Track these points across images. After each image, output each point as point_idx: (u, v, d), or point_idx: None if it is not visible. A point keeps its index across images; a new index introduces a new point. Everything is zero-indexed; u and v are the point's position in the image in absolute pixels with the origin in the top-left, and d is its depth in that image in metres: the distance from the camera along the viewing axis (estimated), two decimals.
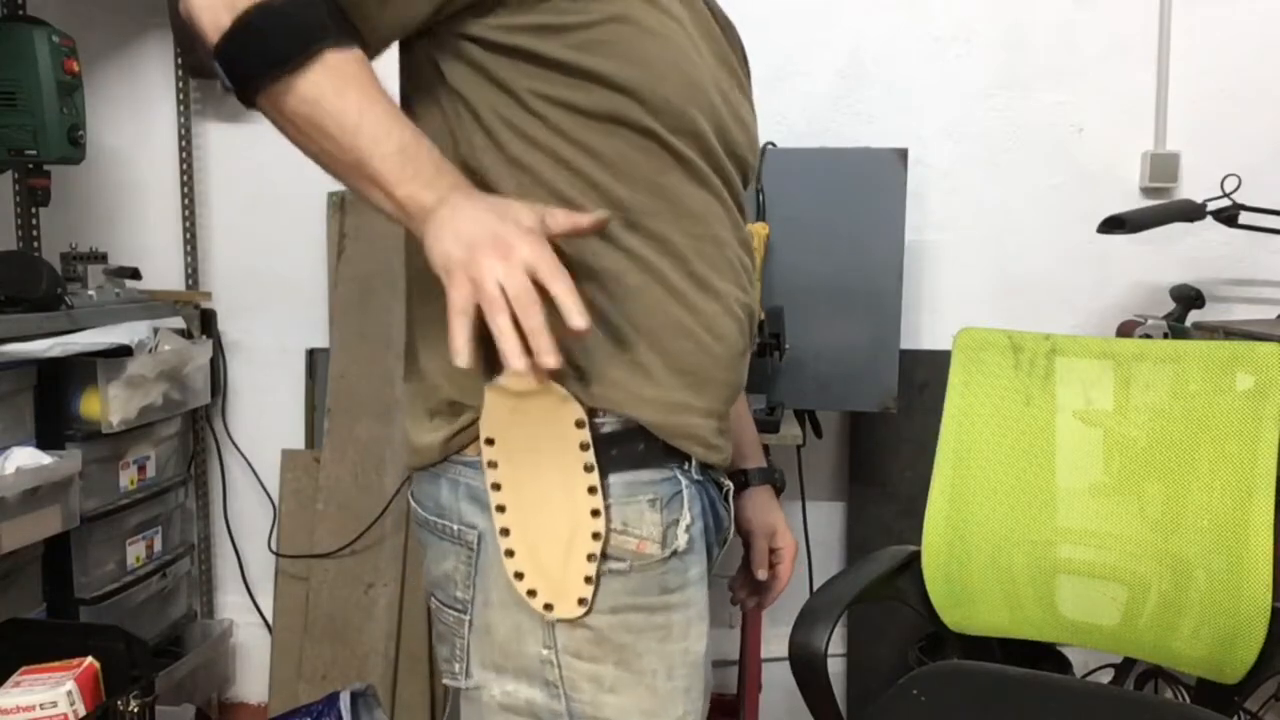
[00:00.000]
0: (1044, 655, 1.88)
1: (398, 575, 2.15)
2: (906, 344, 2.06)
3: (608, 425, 0.87)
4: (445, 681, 0.94)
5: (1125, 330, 1.94)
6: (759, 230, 1.86)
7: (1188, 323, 1.96)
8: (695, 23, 0.92)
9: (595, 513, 0.85)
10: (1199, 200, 1.95)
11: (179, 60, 2.21)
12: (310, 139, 0.79)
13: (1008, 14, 2.14)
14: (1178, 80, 2.11)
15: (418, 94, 0.90)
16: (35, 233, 2.23)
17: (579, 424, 0.84)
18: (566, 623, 0.86)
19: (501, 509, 0.85)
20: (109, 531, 1.98)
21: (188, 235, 2.27)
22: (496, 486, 0.85)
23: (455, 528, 0.89)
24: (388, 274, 2.15)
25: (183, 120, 2.25)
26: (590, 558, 0.85)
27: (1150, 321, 1.92)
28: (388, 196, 0.77)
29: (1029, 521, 1.57)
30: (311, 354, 2.30)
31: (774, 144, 2.00)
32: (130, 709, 1.64)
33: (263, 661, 2.28)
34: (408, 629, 2.16)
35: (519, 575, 0.86)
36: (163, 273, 2.28)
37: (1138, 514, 1.52)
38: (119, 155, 2.29)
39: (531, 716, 0.88)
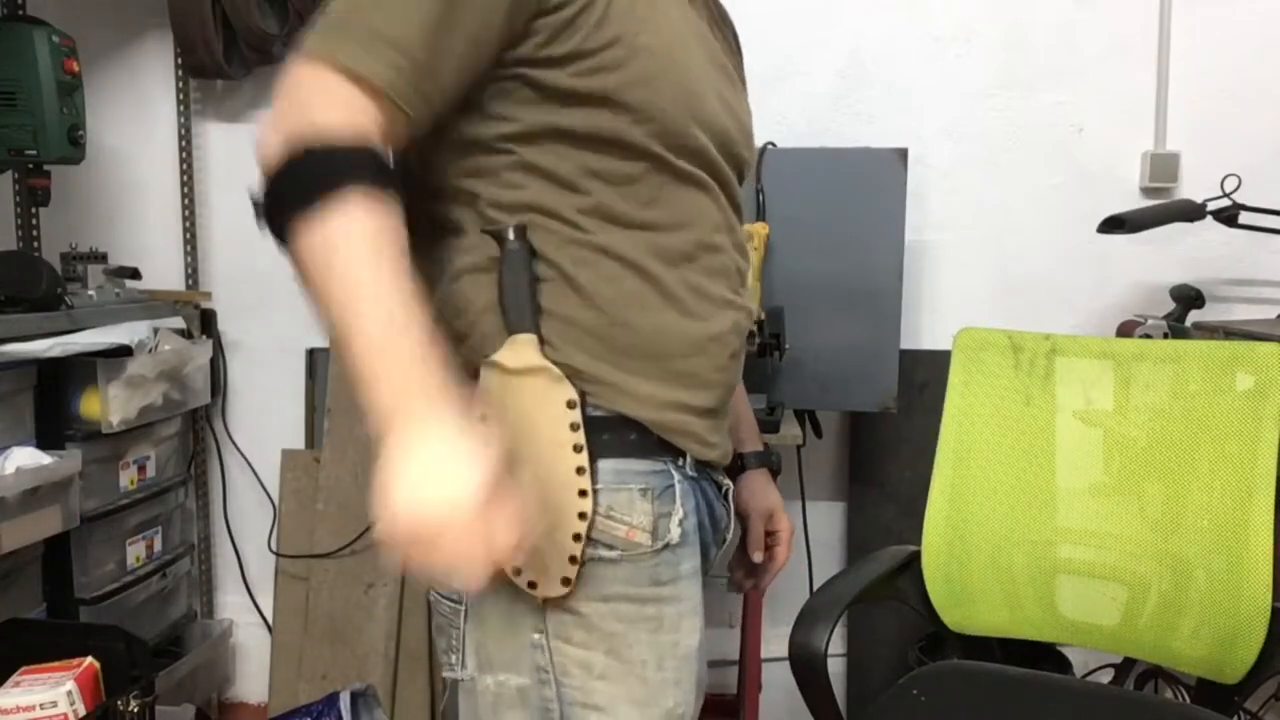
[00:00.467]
0: (1044, 655, 1.88)
1: (397, 575, 2.15)
2: (906, 344, 2.06)
3: (600, 411, 0.88)
4: (444, 674, 0.95)
5: (1125, 330, 1.94)
6: (759, 230, 1.86)
7: (1188, 323, 1.96)
8: (686, 23, 0.93)
9: (583, 493, 0.86)
10: (1199, 200, 1.95)
11: (179, 60, 2.21)
12: (315, 285, 0.77)
13: (1008, 14, 2.14)
14: (1178, 80, 2.11)
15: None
16: (35, 233, 2.23)
17: (570, 404, 0.86)
18: (558, 609, 0.87)
19: None
20: (109, 531, 1.98)
21: (188, 235, 2.27)
22: None
23: None
24: None
25: (183, 120, 2.25)
26: (576, 538, 0.86)
27: (1150, 321, 1.92)
28: (361, 364, 0.75)
29: (1029, 521, 1.57)
30: (311, 354, 2.30)
31: (774, 144, 2.00)
32: (130, 709, 1.64)
33: (263, 661, 2.28)
34: (408, 629, 2.16)
35: None
36: (163, 273, 2.28)
37: (1138, 514, 1.52)
38: (119, 155, 2.29)
39: (522, 705, 0.89)
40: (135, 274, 2.10)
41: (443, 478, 0.73)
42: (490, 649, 0.90)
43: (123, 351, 1.87)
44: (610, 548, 0.88)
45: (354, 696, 1.93)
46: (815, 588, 2.08)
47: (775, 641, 1.98)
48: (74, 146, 1.89)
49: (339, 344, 0.76)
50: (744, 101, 1.04)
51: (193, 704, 2.11)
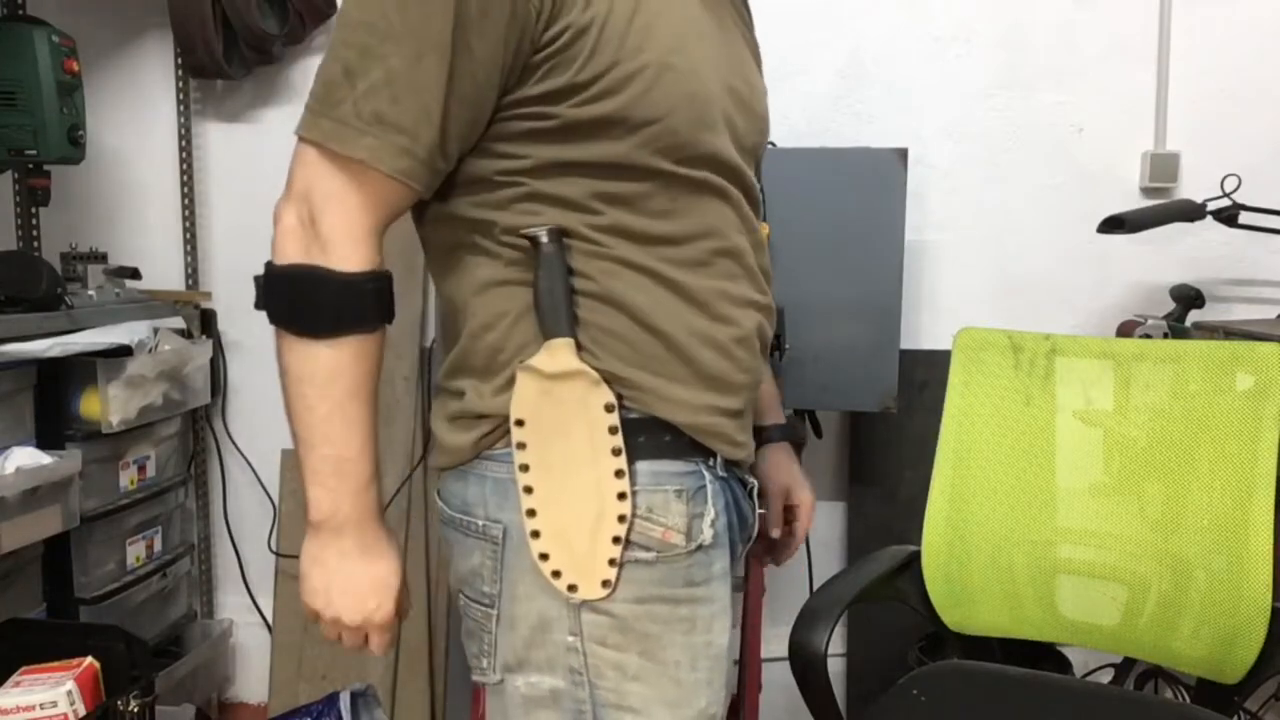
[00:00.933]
0: (1044, 655, 1.88)
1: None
2: (906, 344, 2.06)
3: (634, 413, 0.89)
4: (475, 678, 0.96)
5: (1125, 330, 1.94)
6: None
7: (1188, 323, 1.96)
8: (689, 22, 0.92)
9: (622, 496, 0.87)
10: (1199, 200, 1.95)
11: (179, 60, 2.21)
12: (288, 390, 0.87)
13: (1008, 14, 2.14)
14: (1178, 80, 2.11)
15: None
16: (35, 233, 2.23)
17: (608, 408, 0.87)
18: (592, 611, 0.88)
19: (529, 490, 0.88)
20: (109, 531, 1.98)
21: (188, 235, 2.27)
22: (525, 468, 0.88)
23: (481, 523, 0.92)
24: None
25: (183, 120, 2.25)
26: (615, 540, 0.87)
27: (1150, 321, 1.92)
28: (306, 476, 0.89)
29: (1029, 521, 1.57)
30: None
31: (774, 144, 2.00)
32: (130, 709, 1.64)
33: (263, 661, 2.28)
34: (408, 629, 2.16)
35: (544, 556, 0.88)
36: (163, 273, 2.27)
37: (1138, 514, 1.52)
38: (119, 155, 2.29)
39: (555, 706, 0.90)
40: (135, 274, 2.10)
41: (360, 597, 0.91)
42: (523, 651, 0.91)
43: (123, 351, 1.87)
44: (647, 549, 0.89)
45: (354, 696, 1.92)
46: (815, 588, 2.07)
47: (775, 641, 1.98)
48: (74, 146, 1.89)
49: (298, 443, 0.88)
50: (757, 81, 1.03)
51: (193, 704, 2.11)
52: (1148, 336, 1.87)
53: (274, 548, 2.24)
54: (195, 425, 2.29)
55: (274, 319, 0.86)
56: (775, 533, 1.20)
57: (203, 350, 2.14)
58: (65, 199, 2.20)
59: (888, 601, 1.59)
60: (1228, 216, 1.95)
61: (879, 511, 2.21)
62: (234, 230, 2.31)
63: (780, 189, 1.92)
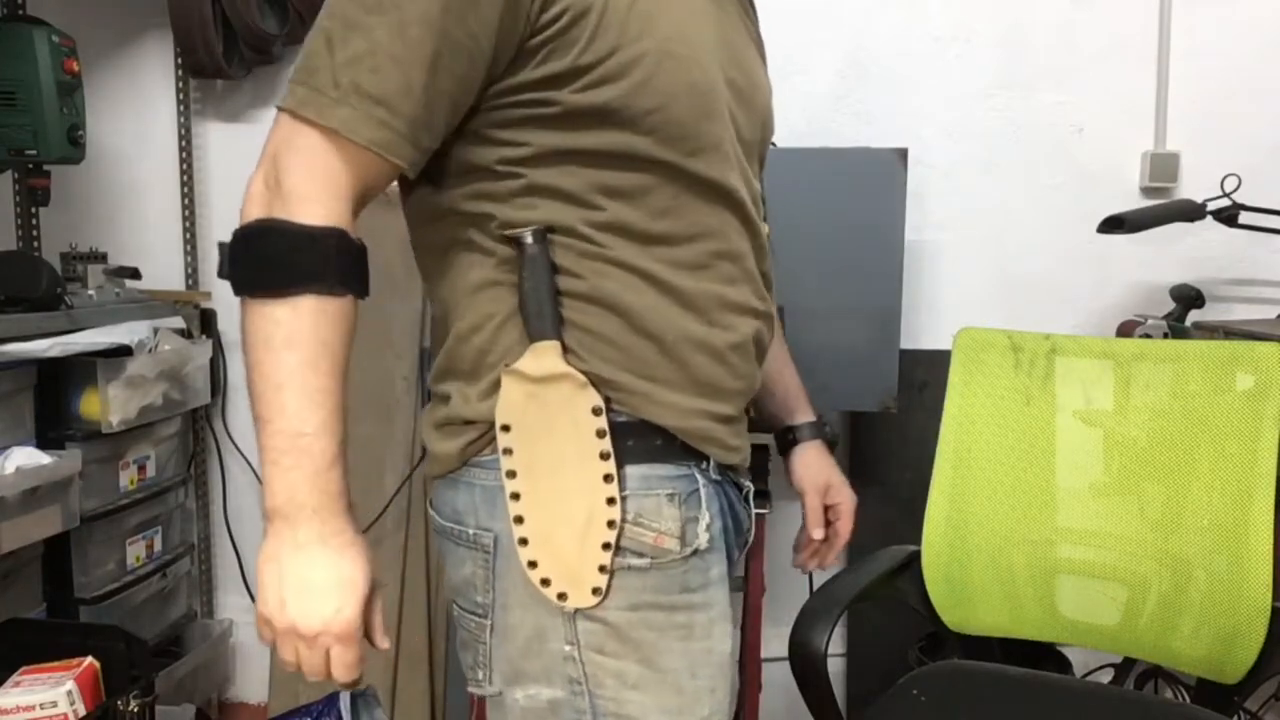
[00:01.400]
0: (1044, 655, 1.87)
1: (398, 575, 2.15)
2: (906, 344, 2.06)
3: (623, 416, 0.87)
4: (470, 689, 0.94)
5: (1125, 330, 1.94)
6: None
7: (1188, 323, 1.96)
8: (692, 12, 0.90)
9: (611, 501, 0.85)
10: (1199, 200, 1.95)
11: (179, 60, 2.21)
12: (248, 358, 0.81)
13: (1008, 14, 2.14)
14: (1178, 80, 2.11)
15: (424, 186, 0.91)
16: (35, 233, 2.23)
17: (595, 411, 0.85)
18: (588, 619, 0.86)
19: (516, 497, 0.86)
20: (109, 531, 1.98)
21: (188, 235, 2.27)
22: (511, 474, 0.86)
23: (471, 532, 0.90)
24: (388, 275, 2.14)
25: (183, 120, 2.25)
26: (606, 546, 0.85)
27: (1150, 321, 1.92)
28: (262, 459, 0.81)
29: (1029, 521, 1.57)
30: None
31: (774, 144, 2.00)
32: (130, 709, 1.64)
33: (263, 661, 2.28)
34: (408, 629, 2.16)
35: (533, 564, 0.86)
36: (163, 273, 2.27)
37: (1138, 514, 1.52)
38: (119, 155, 2.29)
39: (554, 716, 0.88)
40: (135, 274, 2.10)
41: (318, 597, 0.80)
42: (519, 662, 0.88)
43: (123, 351, 1.87)
44: (640, 555, 0.87)
45: (354, 696, 1.92)
46: (815, 588, 2.07)
47: (775, 641, 1.98)
48: (74, 146, 1.89)
49: (256, 419, 0.81)
50: (761, 78, 1.01)
51: (193, 704, 2.11)
52: (1148, 336, 1.87)
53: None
54: (195, 425, 2.29)
55: (234, 283, 0.81)
56: (818, 533, 1.18)
57: (203, 350, 2.14)
58: (65, 199, 2.20)
59: (888, 601, 1.59)
60: (1228, 216, 1.95)
61: (879, 511, 2.21)
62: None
63: (780, 189, 1.91)
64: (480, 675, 0.92)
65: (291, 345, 0.79)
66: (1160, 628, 1.48)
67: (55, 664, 1.62)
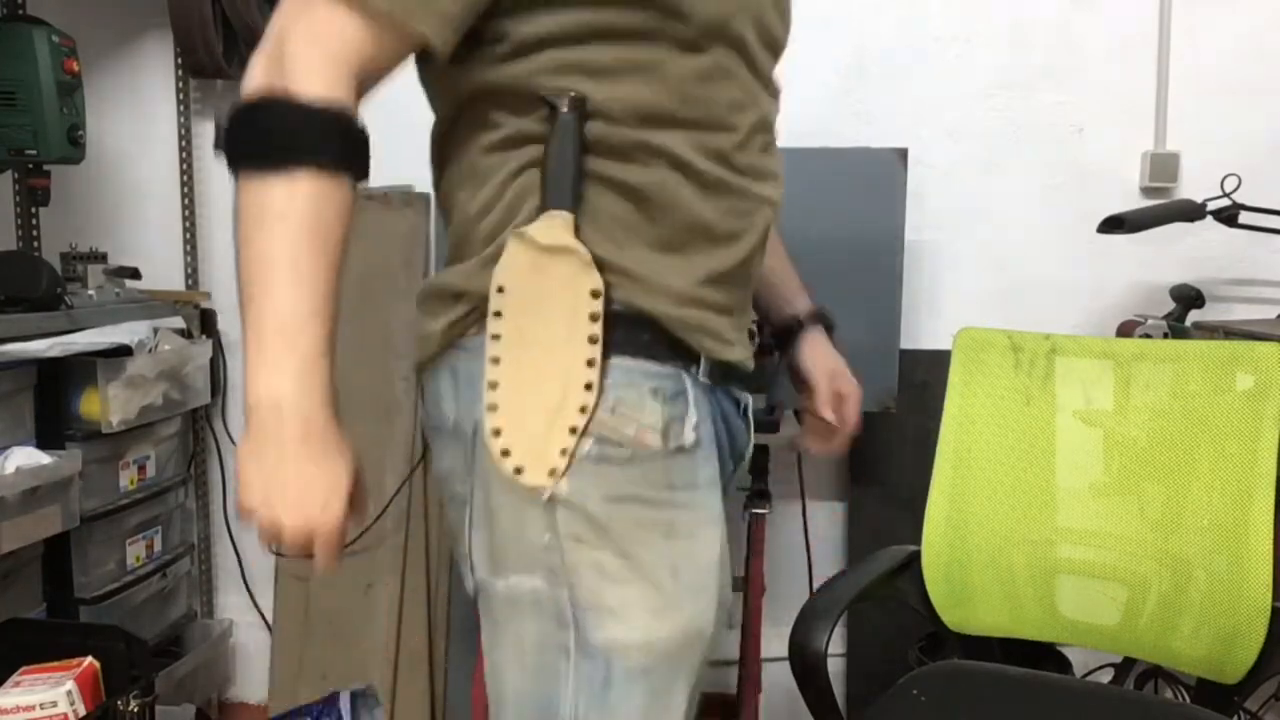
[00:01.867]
0: (1044, 655, 1.87)
1: (398, 575, 2.15)
2: (906, 344, 2.06)
3: (617, 306, 0.86)
4: (465, 583, 0.93)
5: (1125, 330, 1.94)
6: None
7: (1188, 323, 1.96)
8: None
9: (589, 386, 0.83)
10: (1199, 200, 1.95)
11: (179, 60, 2.21)
12: (238, 237, 0.79)
13: (1008, 14, 2.14)
14: (1178, 80, 2.11)
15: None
16: (35, 233, 2.23)
17: (594, 294, 0.83)
18: (567, 508, 0.84)
19: (496, 360, 0.84)
20: (109, 531, 1.98)
21: (188, 235, 2.27)
22: (496, 337, 0.84)
23: (452, 420, 0.89)
24: (387, 274, 2.14)
25: (183, 120, 2.25)
26: (572, 430, 0.83)
27: (1150, 321, 1.92)
28: (246, 342, 0.78)
29: (1029, 521, 1.57)
30: None
31: None
32: (130, 709, 1.64)
33: (263, 661, 2.28)
34: (408, 629, 2.16)
35: (497, 432, 0.84)
36: (163, 273, 2.27)
37: (1138, 514, 1.52)
38: (119, 155, 2.29)
39: (535, 605, 0.86)
40: (135, 274, 2.10)
41: (303, 499, 0.79)
42: (499, 552, 0.87)
43: (123, 351, 1.87)
44: (620, 445, 0.84)
45: (354, 696, 1.93)
46: (815, 588, 2.08)
47: (775, 641, 1.98)
48: (74, 146, 1.89)
49: (243, 304, 0.77)
50: None
51: (193, 704, 2.11)
52: (1148, 336, 1.87)
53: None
54: (195, 425, 2.29)
55: (229, 158, 0.78)
56: (828, 413, 1.15)
57: (203, 350, 2.14)
58: (65, 199, 2.20)
59: (888, 601, 1.59)
60: (1228, 216, 1.95)
61: (879, 511, 2.21)
62: None
63: None
64: (465, 568, 0.91)
65: (285, 222, 0.75)
66: (1160, 628, 1.48)
67: (55, 664, 1.62)
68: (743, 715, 1.96)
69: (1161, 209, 1.95)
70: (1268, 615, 1.36)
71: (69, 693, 1.55)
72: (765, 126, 0.94)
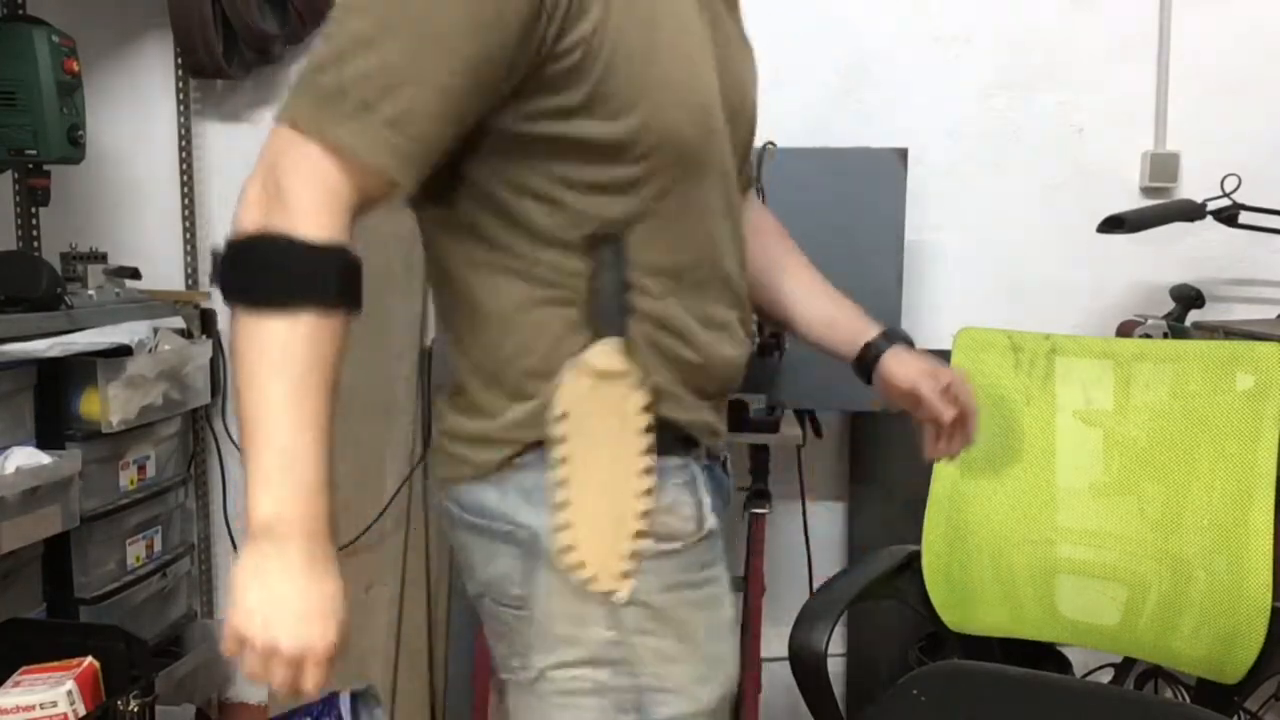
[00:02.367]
0: (1044, 655, 1.88)
1: (398, 575, 2.15)
2: None
3: (655, 417, 0.92)
4: (504, 676, 0.97)
5: (1125, 330, 1.94)
6: None
7: (1188, 323, 1.96)
8: (683, 21, 0.91)
9: (648, 492, 0.90)
10: (1199, 200, 1.95)
11: (179, 60, 2.21)
12: (239, 372, 0.81)
13: (1008, 14, 2.14)
14: (1178, 80, 2.11)
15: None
16: (35, 233, 2.23)
17: (645, 409, 0.90)
18: (633, 605, 0.90)
19: (564, 483, 0.89)
20: (109, 531, 1.98)
21: (188, 235, 2.27)
22: (563, 460, 0.89)
23: (507, 528, 0.92)
24: (388, 274, 2.14)
25: (183, 120, 2.25)
26: (638, 535, 0.90)
27: (1150, 321, 1.92)
28: (250, 473, 0.80)
29: (1029, 521, 1.57)
30: None
31: (774, 144, 2.00)
32: (130, 709, 1.64)
33: None
34: (408, 628, 2.16)
35: (569, 548, 0.89)
36: (163, 273, 2.27)
37: (1138, 514, 1.52)
38: (119, 155, 2.29)
39: (597, 694, 0.91)
40: (135, 274, 2.10)
41: (303, 622, 0.81)
42: (560, 649, 0.91)
43: (123, 351, 1.87)
44: (670, 539, 0.92)
45: (354, 696, 1.93)
46: (815, 588, 2.07)
47: (775, 641, 1.98)
48: (74, 146, 1.89)
49: (245, 436, 0.80)
50: (748, 75, 1.04)
51: (193, 704, 2.11)
52: (1148, 336, 1.87)
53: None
54: (195, 425, 2.29)
55: (227, 293, 0.80)
56: (949, 413, 1.14)
57: (203, 350, 2.14)
58: (65, 199, 2.20)
59: (888, 601, 1.59)
60: (1228, 216, 1.95)
61: (879, 511, 2.21)
62: None
63: (780, 189, 1.92)
64: (516, 663, 0.94)
65: (288, 360, 0.78)
66: (1160, 628, 1.48)
67: (55, 664, 1.62)
68: (743, 715, 1.96)
69: (1161, 209, 1.95)
70: (1268, 615, 1.36)
71: (69, 693, 1.55)
72: (729, 245, 0.98)
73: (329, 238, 0.79)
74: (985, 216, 2.18)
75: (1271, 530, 1.38)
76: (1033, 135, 2.16)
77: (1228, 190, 1.94)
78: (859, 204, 1.92)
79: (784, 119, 2.14)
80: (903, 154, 1.92)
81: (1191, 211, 1.94)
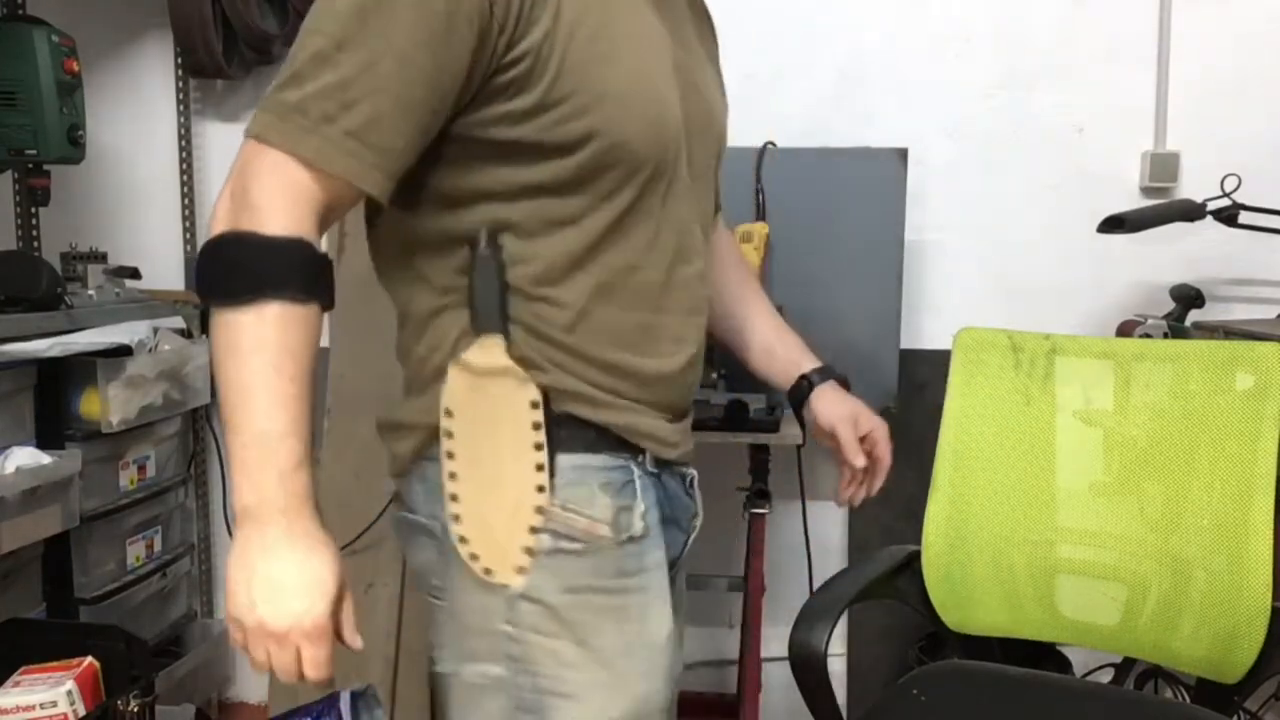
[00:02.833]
0: (1044, 655, 1.88)
1: (398, 575, 2.15)
2: (906, 344, 2.06)
3: (562, 410, 0.93)
4: (433, 669, 1.00)
5: (1125, 330, 1.94)
6: (759, 230, 1.86)
7: (1188, 322, 1.96)
8: (645, 35, 0.94)
9: (540, 489, 0.91)
10: (1199, 200, 1.95)
11: (179, 60, 2.21)
12: (216, 367, 0.84)
13: (1008, 14, 2.14)
14: (1178, 80, 2.11)
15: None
16: (35, 233, 2.23)
17: (534, 405, 0.90)
18: (527, 600, 0.91)
19: (453, 476, 0.91)
20: (109, 531, 1.98)
21: (188, 235, 2.27)
22: (450, 455, 0.91)
23: (424, 520, 0.96)
24: None
25: (183, 120, 2.25)
26: (532, 530, 0.91)
27: (1150, 321, 1.92)
28: (231, 462, 0.84)
29: (1029, 521, 1.57)
30: None
31: (774, 144, 2.00)
32: (130, 709, 1.64)
33: None
34: (408, 629, 2.16)
35: (464, 539, 0.91)
36: (163, 273, 2.28)
37: (1138, 514, 1.52)
38: (119, 155, 2.29)
39: (499, 691, 0.93)
40: (135, 274, 2.10)
41: (286, 596, 0.82)
42: (468, 641, 0.94)
43: (123, 351, 1.87)
44: (572, 539, 0.92)
45: (354, 696, 1.92)
46: (815, 588, 2.07)
47: (775, 641, 1.98)
48: (74, 146, 1.89)
49: (225, 429, 0.84)
50: (716, 93, 1.06)
51: (193, 704, 2.11)
52: (1148, 336, 1.87)
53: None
54: (195, 425, 2.29)
55: (201, 292, 0.84)
56: (859, 460, 1.20)
57: (202, 350, 2.14)
58: (65, 199, 2.20)
59: (888, 601, 1.59)
60: (1228, 216, 1.95)
61: (879, 511, 2.21)
62: None
63: (780, 189, 1.92)
64: (436, 654, 0.98)
65: (257, 351, 0.81)
66: (1160, 628, 1.48)
67: (55, 664, 1.62)
68: (743, 715, 1.96)
69: (1161, 209, 1.95)
70: (1268, 615, 1.36)
71: (69, 693, 1.55)
72: (685, 256, 0.98)
73: (293, 234, 0.82)
74: (985, 217, 2.18)
75: (1271, 530, 1.38)
76: (1033, 135, 2.16)
77: (1228, 190, 1.94)
78: (859, 204, 1.92)
79: (784, 119, 2.15)
80: (903, 154, 1.92)
81: (1191, 211, 1.94)
